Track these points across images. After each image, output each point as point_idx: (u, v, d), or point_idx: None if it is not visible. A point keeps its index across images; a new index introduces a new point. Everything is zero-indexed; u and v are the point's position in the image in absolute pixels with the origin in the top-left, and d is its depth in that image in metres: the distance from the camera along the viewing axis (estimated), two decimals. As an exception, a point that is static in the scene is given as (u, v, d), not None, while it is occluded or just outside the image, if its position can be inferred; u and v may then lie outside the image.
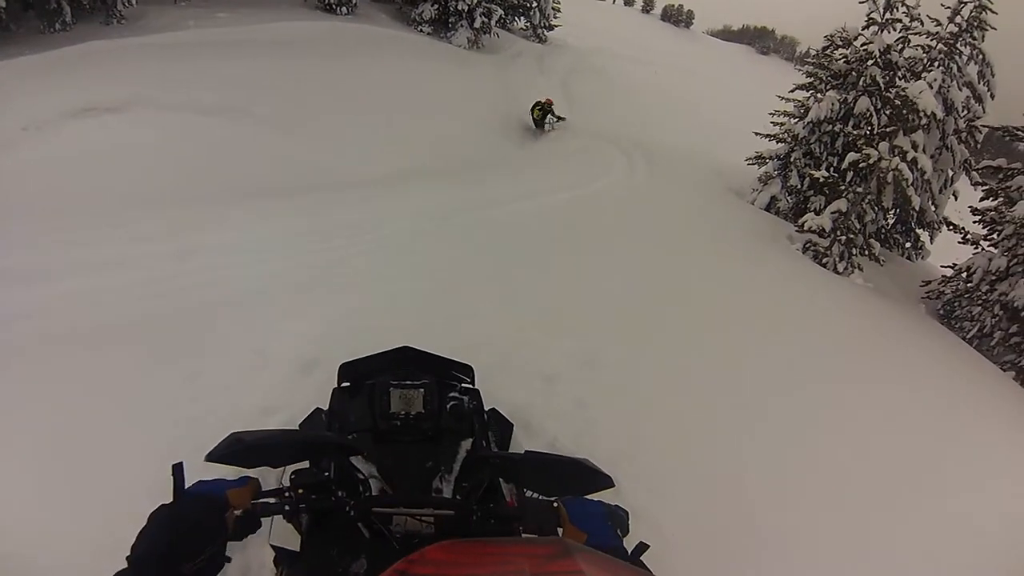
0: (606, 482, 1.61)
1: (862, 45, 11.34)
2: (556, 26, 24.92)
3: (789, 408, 4.83)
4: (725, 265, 7.73)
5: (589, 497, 1.59)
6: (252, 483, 1.54)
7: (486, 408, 2.56)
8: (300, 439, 1.82)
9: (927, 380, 6.36)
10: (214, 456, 1.49)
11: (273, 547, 1.77)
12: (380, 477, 1.87)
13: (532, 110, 14.91)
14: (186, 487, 1.40)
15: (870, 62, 11.00)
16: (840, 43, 12.00)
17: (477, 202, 8.09)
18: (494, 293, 5.48)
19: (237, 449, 1.50)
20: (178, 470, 1.37)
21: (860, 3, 11.13)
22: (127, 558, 1.19)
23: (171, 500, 1.34)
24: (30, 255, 4.87)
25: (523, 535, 1.59)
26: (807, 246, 9.51)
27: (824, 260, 9.30)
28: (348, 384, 2.54)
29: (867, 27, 11.30)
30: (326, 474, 1.74)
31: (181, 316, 4.37)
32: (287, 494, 1.60)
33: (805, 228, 9.59)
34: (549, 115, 14.84)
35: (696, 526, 3.32)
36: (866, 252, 9.64)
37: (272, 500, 1.56)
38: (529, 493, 1.82)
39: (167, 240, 5.48)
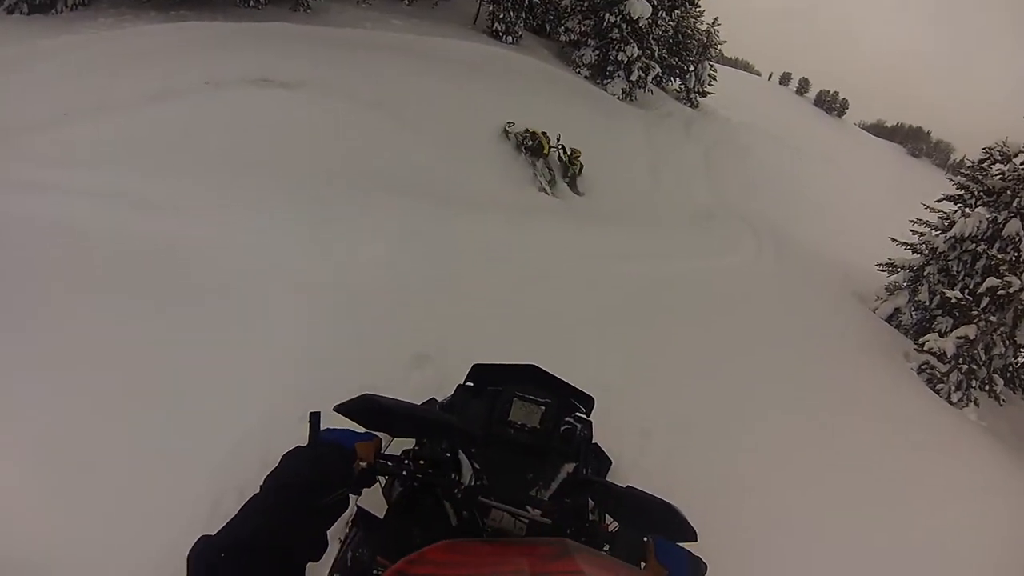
0: (690, 535, 1.65)
1: (1022, 163, 10.55)
2: (709, 93, 24.84)
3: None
4: (831, 366, 7.57)
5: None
6: (376, 441, 1.67)
7: (593, 441, 2.66)
8: (429, 417, 1.89)
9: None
10: (343, 409, 1.61)
11: (359, 507, 1.88)
12: (483, 474, 1.98)
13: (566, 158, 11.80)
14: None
15: (1028, 183, 10.08)
16: (999, 158, 11.13)
17: (603, 253, 8.37)
18: (609, 344, 5.76)
19: (366, 408, 1.62)
20: (315, 418, 1.50)
21: (1024, 118, 10.12)
22: (261, 486, 1.33)
23: (306, 444, 1.48)
24: (183, 193, 5.62)
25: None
26: (923, 367, 9.02)
27: (938, 386, 8.77)
28: (472, 384, 2.70)
29: (1030, 145, 10.32)
30: (447, 455, 1.86)
31: (309, 283, 4.95)
32: (406, 462, 1.71)
33: (925, 348, 9.11)
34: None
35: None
36: (986, 387, 9.05)
37: (390, 463, 1.68)
38: (612, 524, 1.89)
39: (309, 212, 6.13)
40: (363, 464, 1.58)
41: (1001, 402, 9.34)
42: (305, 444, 1.49)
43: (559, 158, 11.77)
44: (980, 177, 11.49)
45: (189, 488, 2.93)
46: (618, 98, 18.50)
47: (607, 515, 2.13)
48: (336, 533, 1.54)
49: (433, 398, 2.87)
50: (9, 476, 2.83)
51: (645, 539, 1.57)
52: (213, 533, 1.15)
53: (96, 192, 5.16)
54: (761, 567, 3.71)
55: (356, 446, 1.57)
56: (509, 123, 11.60)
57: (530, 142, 11.25)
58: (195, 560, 1.08)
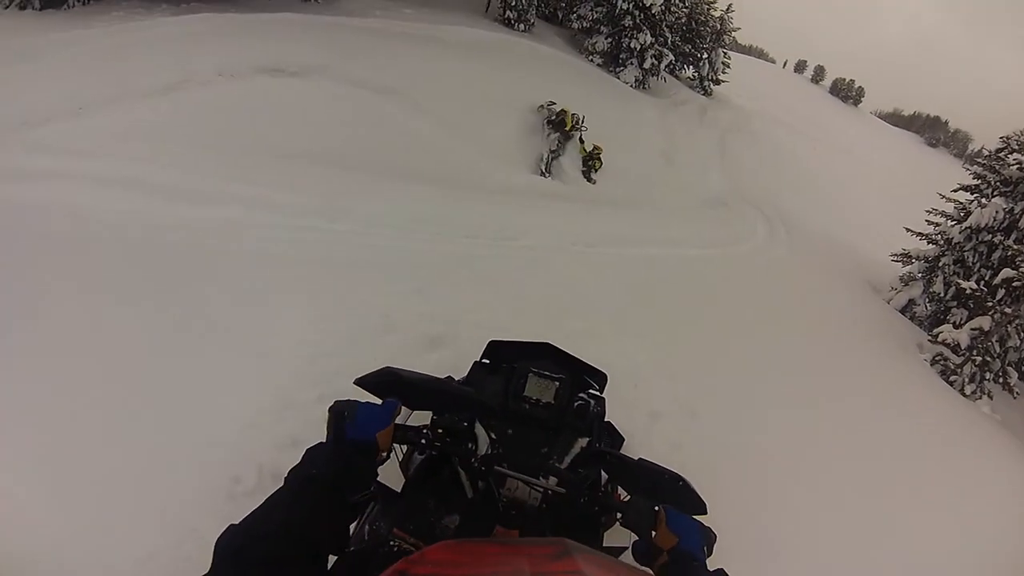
0: (700, 507, 1.72)
1: (1040, 153, 10.35)
2: (723, 81, 24.50)
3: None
4: (843, 356, 7.57)
5: None
6: (397, 409, 1.66)
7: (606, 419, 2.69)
8: (447, 388, 1.93)
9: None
10: (363, 382, 1.68)
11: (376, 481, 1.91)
12: (499, 444, 2.00)
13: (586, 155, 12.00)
14: (337, 404, 1.56)
15: (1045, 173, 9.98)
16: (1016, 147, 11.15)
17: (616, 238, 8.43)
18: (618, 328, 5.81)
19: (385, 381, 1.68)
20: (339, 414, 1.52)
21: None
22: (286, 479, 1.33)
23: (326, 439, 1.50)
24: (198, 180, 5.72)
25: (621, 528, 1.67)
26: (936, 359, 8.96)
27: (952, 378, 8.70)
28: (488, 361, 2.73)
29: (1049, 134, 10.22)
30: (464, 425, 1.87)
31: (321, 266, 5.05)
32: (425, 431, 1.73)
33: (939, 340, 9.05)
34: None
35: None
36: (1000, 380, 8.96)
37: (409, 432, 1.69)
38: (624, 496, 1.91)
39: (321, 198, 6.24)
40: (384, 455, 1.59)
41: (1015, 395, 9.26)
42: (325, 440, 1.51)
43: (580, 139, 11.84)
44: (997, 167, 11.47)
45: (188, 486, 2.90)
46: (631, 86, 18.33)
47: (619, 487, 2.17)
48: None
49: (450, 376, 2.90)
50: (8, 475, 2.79)
51: (656, 508, 1.59)
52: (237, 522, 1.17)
53: (107, 183, 5.23)
54: (768, 555, 3.72)
55: (378, 436, 1.55)
56: (550, 102, 11.75)
57: (555, 117, 11.40)
58: (223, 546, 1.10)
